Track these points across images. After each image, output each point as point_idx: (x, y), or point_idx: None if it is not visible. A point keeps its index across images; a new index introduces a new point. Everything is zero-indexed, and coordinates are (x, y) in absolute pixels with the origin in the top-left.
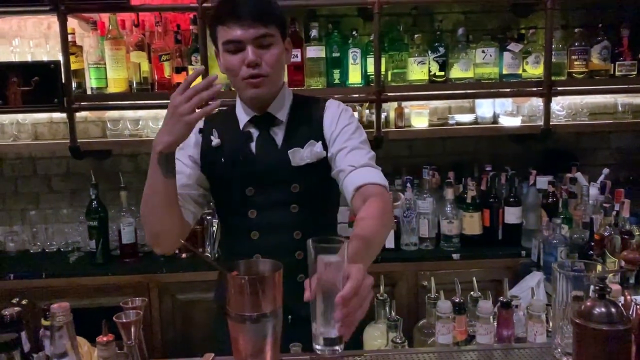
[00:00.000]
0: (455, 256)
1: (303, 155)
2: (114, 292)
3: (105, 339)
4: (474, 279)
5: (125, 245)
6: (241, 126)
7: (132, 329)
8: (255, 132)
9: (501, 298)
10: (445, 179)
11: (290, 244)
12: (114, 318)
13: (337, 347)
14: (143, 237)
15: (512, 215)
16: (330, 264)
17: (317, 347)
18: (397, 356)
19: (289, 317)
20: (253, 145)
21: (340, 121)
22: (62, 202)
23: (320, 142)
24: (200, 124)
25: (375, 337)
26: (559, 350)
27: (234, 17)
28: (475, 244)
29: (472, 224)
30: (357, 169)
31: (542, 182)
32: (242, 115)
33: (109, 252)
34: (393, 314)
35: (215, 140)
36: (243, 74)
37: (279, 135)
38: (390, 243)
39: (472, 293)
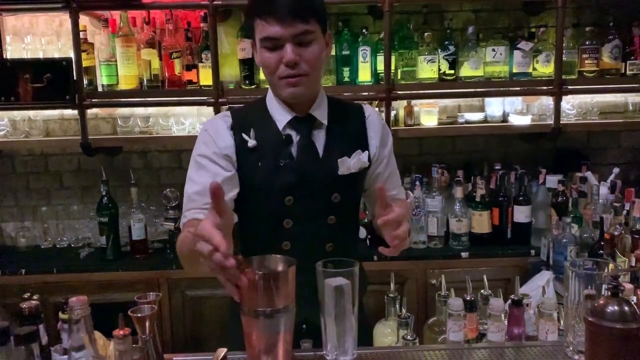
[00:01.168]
0: (464, 255)
1: (350, 164)
2: (124, 287)
3: (122, 332)
4: (485, 277)
5: (136, 242)
6: (280, 127)
7: (147, 323)
8: (295, 135)
9: (512, 296)
10: (454, 177)
11: (321, 256)
12: (129, 312)
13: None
14: (153, 234)
15: (521, 214)
16: (339, 289)
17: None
18: (408, 353)
19: (304, 326)
20: (294, 150)
21: (386, 139)
22: (73, 199)
23: (366, 152)
24: (229, 120)
25: (386, 334)
26: (571, 348)
27: (272, 12)
28: (484, 243)
29: (481, 222)
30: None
31: (552, 181)
32: (280, 116)
33: (119, 248)
34: (404, 311)
35: (251, 142)
36: (280, 73)
37: (319, 139)
38: None
39: (482, 291)
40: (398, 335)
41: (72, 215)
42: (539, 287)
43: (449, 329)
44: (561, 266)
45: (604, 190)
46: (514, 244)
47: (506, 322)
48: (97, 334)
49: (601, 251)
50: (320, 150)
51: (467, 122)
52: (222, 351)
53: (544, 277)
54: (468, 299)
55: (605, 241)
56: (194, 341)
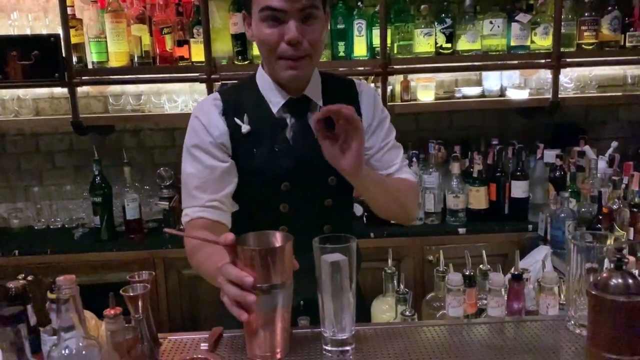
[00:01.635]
0: (461, 230)
1: None
2: (119, 268)
3: (112, 311)
4: (484, 252)
5: (130, 222)
6: (274, 110)
7: (140, 303)
8: (289, 118)
9: (512, 270)
10: (451, 153)
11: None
12: (121, 291)
13: (347, 348)
14: (147, 213)
15: (518, 189)
16: (336, 264)
17: (327, 347)
18: (407, 329)
19: (301, 302)
20: (289, 134)
21: (377, 111)
22: (65, 179)
23: None
24: (220, 104)
25: (384, 310)
26: (573, 322)
27: None
28: (481, 219)
29: (479, 198)
30: (394, 174)
31: (550, 155)
32: (274, 98)
33: (113, 228)
34: (402, 287)
35: (245, 127)
36: (282, 53)
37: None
38: None
39: (481, 266)
40: (396, 311)
41: (65, 195)
42: (536, 262)
43: (448, 305)
44: (559, 241)
45: (602, 164)
46: (511, 219)
47: (506, 297)
48: (88, 314)
49: (599, 225)
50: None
51: (464, 96)
52: (218, 330)
53: (542, 252)
54: (467, 273)
55: (604, 215)
56: (191, 321)
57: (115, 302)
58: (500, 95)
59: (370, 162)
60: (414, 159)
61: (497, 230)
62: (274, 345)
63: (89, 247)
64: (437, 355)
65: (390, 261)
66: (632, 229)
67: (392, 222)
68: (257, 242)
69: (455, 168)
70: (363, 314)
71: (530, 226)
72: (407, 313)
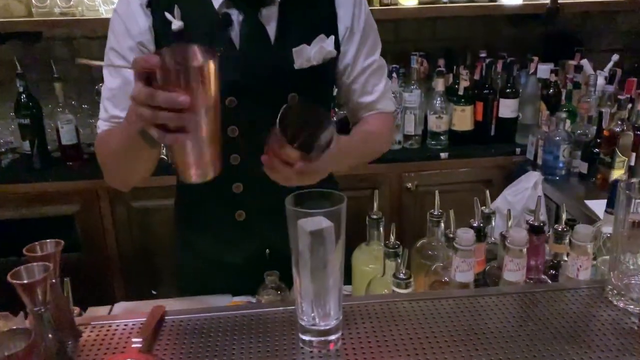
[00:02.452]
0: (443, 155)
1: (310, 54)
2: (58, 200)
3: None
4: (487, 193)
5: (66, 147)
6: (216, 4)
7: (39, 292)
8: (237, 15)
9: (530, 220)
10: (435, 67)
11: None
12: (8, 278)
13: (332, 338)
14: (87, 137)
15: (507, 108)
16: (318, 234)
17: (305, 338)
18: (407, 306)
19: (267, 250)
20: (235, 35)
21: (360, 13)
22: None
23: (332, 38)
24: None
25: (366, 261)
26: (616, 292)
27: None
28: (465, 142)
29: (463, 118)
30: (373, 105)
31: (544, 70)
32: None
33: (48, 154)
34: (392, 238)
35: (175, 23)
36: None
37: (271, 22)
38: None
39: (483, 209)
40: (384, 266)
41: None
42: (525, 190)
43: (456, 268)
44: (551, 166)
45: (600, 80)
46: (497, 142)
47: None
48: None
49: (597, 150)
50: (272, 35)
51: (451, 1)
52: (159, 311)
53: (531, 178)
54: (475, 225)
55: (604, 139)
56: (143, 254)
57: None
58: (491, 1)
59: (350, 87)
60: (394, 74)
61: (482, 154)
62: (206, 164)
63: (19, 176)
64: (453, 343)
65: (376, 204)
66: (634, 154)
67: None
68: (175, 58)
69: (439, 85)
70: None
71: (518, 149)
72: (402, 275)
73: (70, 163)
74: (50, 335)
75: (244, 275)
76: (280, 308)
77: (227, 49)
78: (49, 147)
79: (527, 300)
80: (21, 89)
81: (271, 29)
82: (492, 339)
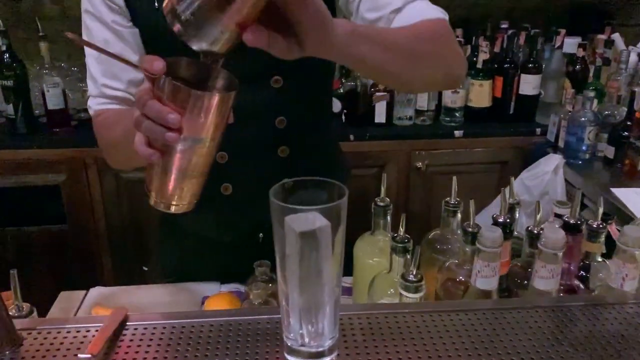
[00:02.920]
0: (457, 133)
1: None
2: (43, 169)
3: None
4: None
5: (53, 112)
6: None
7: None
8: None
9: (566, 217)
10: None
11: (270, 135)
12: None
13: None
14: (76, 101)
15: (528, 84)
16: (309, 236)
17: (290, 359)
18: (419, 320)
19: (260, 235)
20: None
21: None
22: None
23: None
24: None
25: (370, 253)
26: None
27: None
28: (481, 119)
29: (481, 94)
30: (402, 8)
31: (570, 44)
32: None
33: (33, 119)
34: (402, 231)
35: None
36: None
37: None
38: (380, 117)
39: (510, 199)
40: (390, 262)
41: None
42: (544, 174)
43: (477, 272)
44: (574, 149)
45: (633, 57)
46: (516, 120)
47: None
48: None
49: (626, 133)
50: None
51: None
52: (120, 314)
53: (552, 161)
54: (501, 220)
55: (634, 121)
56: (133, 227)
57: None
58: None
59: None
60: None
61: (499, 133)
62: (183, 194)
63: (3, 142)
64: None
65: (383, 190)
66: None
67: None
68: (191, 74)
69: None
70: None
71: (538, 129)
72: (412, 277)
73: (57, 129)
74: None
75: (233, 259)
76: (265, 316)
77: None
78: (36, 112)
79: (563, 316)
80: (4, 48)
81: None
82: None
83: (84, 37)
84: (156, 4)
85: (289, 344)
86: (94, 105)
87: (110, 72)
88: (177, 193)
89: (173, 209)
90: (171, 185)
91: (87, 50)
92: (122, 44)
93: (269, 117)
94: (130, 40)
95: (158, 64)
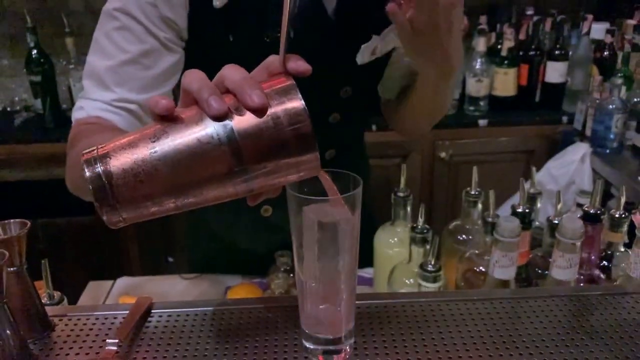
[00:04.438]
0: (481, 122)
1: (377, 48)
2: None
3: None
4: (533, 169)
5: None
6: None
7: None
8: None
9: (586, 206)
10: (476, 25)
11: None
12: None
13: (342, 347)
14: None
15: (555, 71)
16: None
17: (310, 347)
18: (435, 308)
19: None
20: (290, 19)
21: None
22: (1, 51)
23: None
24: None
25: (390, 243)
26: None
27: None
28: (506, 108)
29: (506, 82)
30: None
31: (598, 30)
32: None
33: (61, 113)
34: (421, 221)
35: None
36: None
37: (330, 3)
38: None
39: (529, 189)
40: (410, 252)
41: (3, 71)
42: (571, 163)
43: (495, 262)
44: (601, 138)
45: None
46: (542, 109)
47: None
48: None
49: None
50: (333, 17)
51: None
52: (144, 302)
53: (579, 150)
54: (520, 210)
55: None
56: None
57: None
58: None
59: (385, 40)
60: None
61: (525, 122)
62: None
63: (32, 136)
64: (486, 352)
65: (403, 180)
66: None
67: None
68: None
69: (481, 44)
70: (364, 249)
71: (565, 118)
72: (430, 267)
73: None
74: (8, 332)
75: (257, 257)
76: (285, 304)
77: (278, 34)
78: (63, 106)
79: (580, 305)
80: (32, 44)
81: (331, 11)
82: (534, 350)
83: (107, 28)
84: (230, 37)
85: (306, 331)
86: (90, 108)
87: (129, 84)
88: (149, 204)
89: (117, 223)
90: (157, 187)
91: (97, 54)
92: (165, 60)
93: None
94: (173, 64)
95: (162, 101)
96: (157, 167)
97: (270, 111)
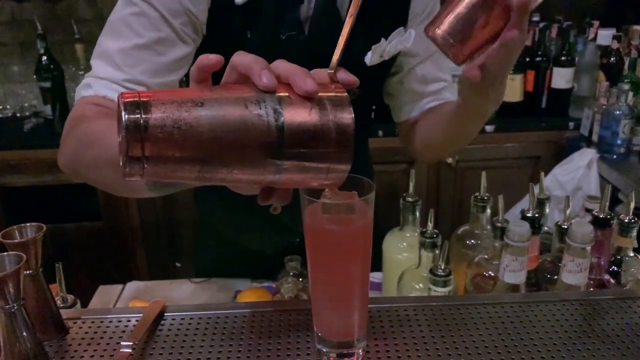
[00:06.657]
0: (488, 128)
1: (386, 50)
2: None
3: None
4: (542, 174)
5: None
6: None
7: (10, 286)
8: None
9: (595, 212)
10: None
11: None
12: None
13: (355, 351)
14: None
15: (561, 77)
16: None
17: (323, 349)
18: (447, 313)
19: (297, 240)
20: (304, 15)
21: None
22: (11, 57)
23: (410, 32)
24: None
25: (399, 248)
26: None
27: None
28: (513, 114)
29: (513, 88)
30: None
31: (605, 36)
32: None
33: None
34: (430, 226)
35: None
36: None
37: (344, 4)
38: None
39: (537, 194)
40: (419, 257)
41: (13, 78)
42: (577, 169)
43: (505, 267)
44: (608, 143)
45: None
46: (549, 115)
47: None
48: None
49: None
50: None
51: None
52: (157, 305)
53: (585, 156)
54: (530, 215)
55: None
56: (167, 223)
57: None
58: None
59: (409, 76)
60: None
61: (532, 127)
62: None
63: (40, 141)
64: (497, 356)
65: (412, 185)
66: None
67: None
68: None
69: None
70: (373, 253)
71: (571, 124)
72: (440, 272)
73: None
74: (25, 334)
75: (266, 261)
76: (296, 308)
77: (294, 32)
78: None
79: (590, 310)
80: (42, 51)
81: (344, 13)
82: (545, 354)
83: (123, 10)
84: (249, 34)
85: (319, 334)
86: (97, 86)
87: (142, 65)
88: (174, 165)
89: (134, 175)
90: (189, 147)
91: (111, 36)
92: (178, 49)
93: None
94: (184, 56)
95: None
96: (198, 127)
97: (321, 110)
